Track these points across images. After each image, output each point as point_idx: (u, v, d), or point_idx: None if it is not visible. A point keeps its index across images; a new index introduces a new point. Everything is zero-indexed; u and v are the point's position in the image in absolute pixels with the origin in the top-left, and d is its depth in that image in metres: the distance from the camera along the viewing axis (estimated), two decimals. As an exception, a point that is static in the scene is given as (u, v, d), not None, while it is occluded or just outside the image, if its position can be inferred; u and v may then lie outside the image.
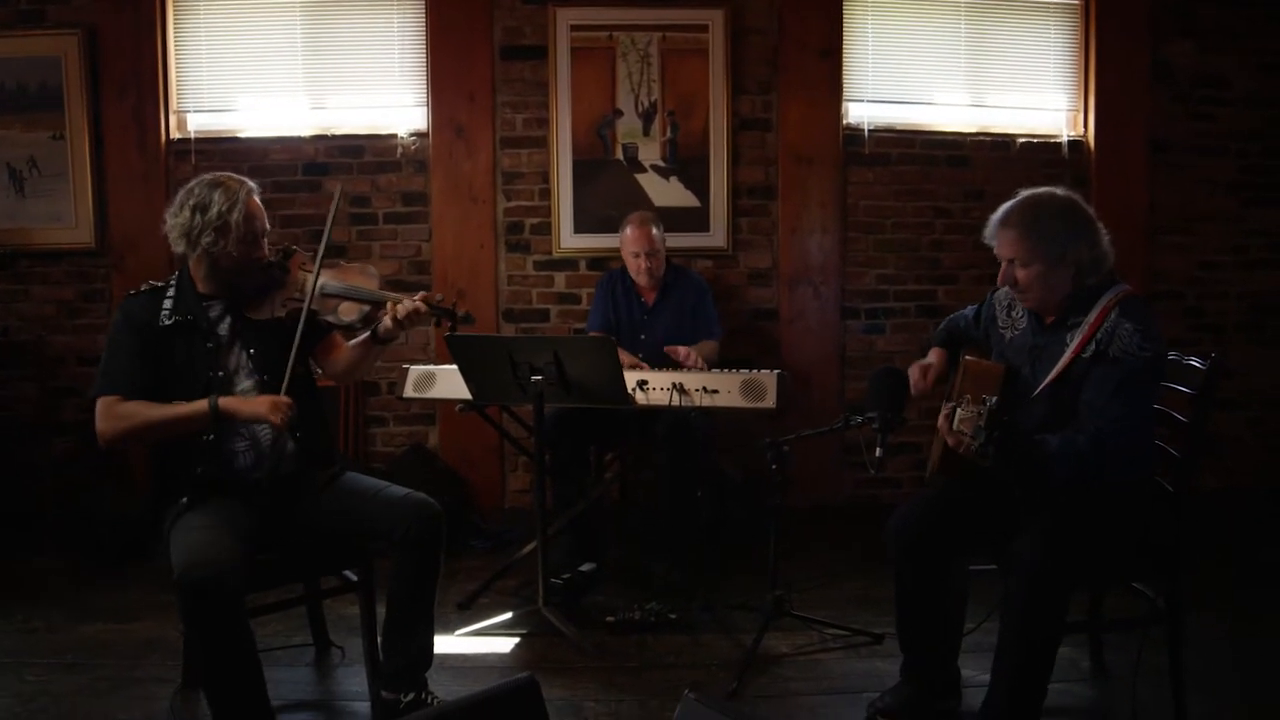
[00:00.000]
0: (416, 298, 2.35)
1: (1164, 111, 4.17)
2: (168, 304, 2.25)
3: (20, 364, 4.03)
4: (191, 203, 2.21)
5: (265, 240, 2.32)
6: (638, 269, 3.54)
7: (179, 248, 2.25)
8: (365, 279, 2.44)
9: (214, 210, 2.19)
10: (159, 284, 2.31)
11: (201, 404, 2.16)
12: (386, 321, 2.36)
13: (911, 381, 2.34)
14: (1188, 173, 4.21)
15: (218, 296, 2.29)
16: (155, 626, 2.89)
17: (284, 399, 2.16)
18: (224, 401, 2.17)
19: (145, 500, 2.31)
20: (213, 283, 2.28)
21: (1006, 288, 2.30)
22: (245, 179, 2.29)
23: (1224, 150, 4.22)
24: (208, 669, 2.01)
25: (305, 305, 2.27)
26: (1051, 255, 2.07)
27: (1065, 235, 2.07)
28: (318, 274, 2.31)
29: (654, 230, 3.53)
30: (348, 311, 2.37)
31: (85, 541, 3.58)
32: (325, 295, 2.35)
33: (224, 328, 2.29)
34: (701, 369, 3.16)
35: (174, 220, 2.23)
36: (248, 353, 2.29)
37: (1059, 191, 2.15)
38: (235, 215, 2.20)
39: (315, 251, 2.34)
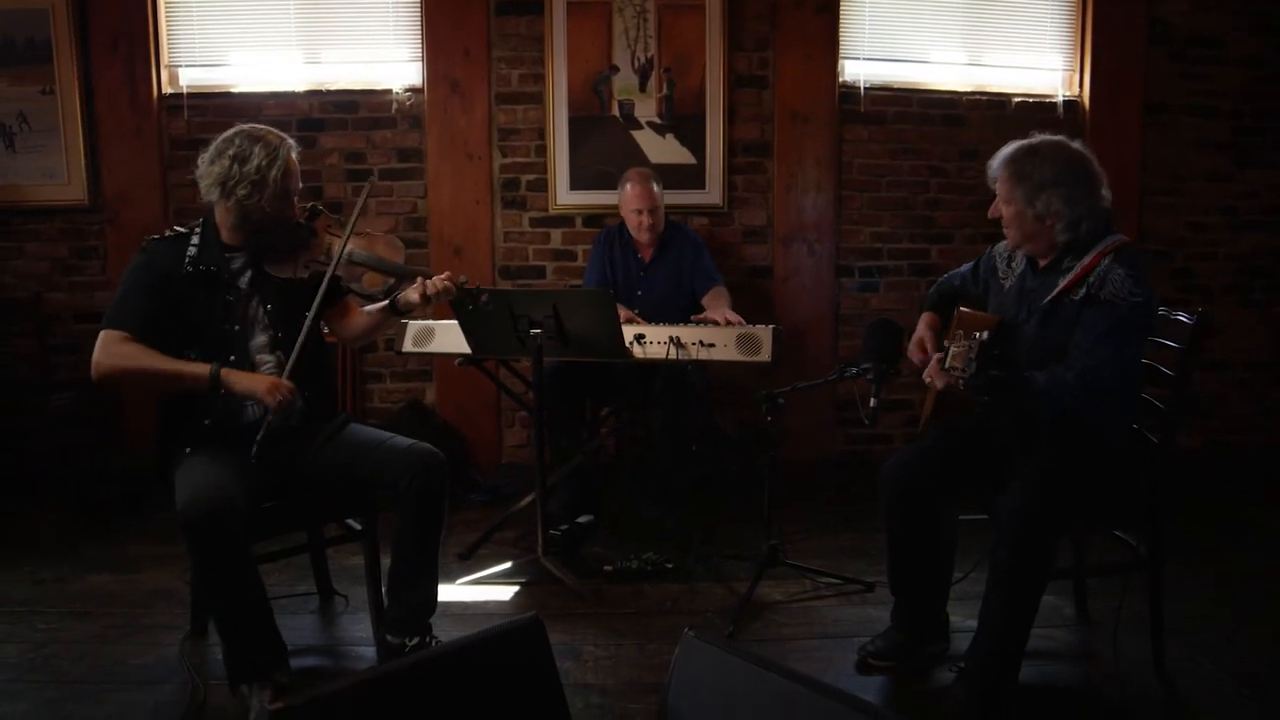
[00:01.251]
0: (443, 277, 2.37)
1: (1159, 71, 4.18)
2: (191, 251, 2.26)
3: (17, 321, 4.03)
4: (231, 152, 2.21)
5: (296, 199, 2.33)
6: (638, 225, 3.55)
7: (211, 195, 2.25)
8: (391, 251, 2.45)
9: (253, 164, 2.19)
10: (183, 230, 2.31)
11: (204, 368, 2.15)
12: (411, 296, 2.37)
13: (917, 361, 2.36)
14: (1180, 133, 4.23)
15: (241, 248, 2.31)
16: (160, 577, 2.94)
17: (285, 383, 2.16)
18: (226, 372, 2.17)
19: (151, 448, 2.32)
20: (238, 234, 2.29)
21: (1006, 241, 2.35)
22: (285, 136, 2.29)
23: (1217, 111, 4.24)
24: (216, 604, 2.06)
25: (329, 270, 2.29)
26: (1024, 199, 2.13)
27: (1042, 184, 2.11)
28: (346, 242, 2.31)
29: (655, 187, 3.54)
30: (372, 282, 2.40)
31: (85, 497, 3.63)
32: (351, 263, 2.37)
33: (244, 281, 2.31)
34: (739, 322, 3.17)
35: (208, 167, 2.23)
36: (265, 308, 2.32)
37: (1069, 144, 2.16)
38: (274, 172, 2.21)
39: (340, 216, 2.36)
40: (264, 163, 2.20)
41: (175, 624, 2.58)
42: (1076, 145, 2.17)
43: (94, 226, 4.10)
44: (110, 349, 2.16)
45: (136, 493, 3.60)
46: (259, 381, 2.17)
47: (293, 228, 2.33)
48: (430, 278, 2.37)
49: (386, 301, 2.44)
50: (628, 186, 3.55)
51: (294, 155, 2.29)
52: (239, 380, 2.17)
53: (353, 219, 2.32)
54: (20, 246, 4.12)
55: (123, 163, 4.05)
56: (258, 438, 2.19)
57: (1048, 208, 2.10)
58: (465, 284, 2.44)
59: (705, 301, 3.47)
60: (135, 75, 3.99)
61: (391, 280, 2.40)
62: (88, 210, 4.08)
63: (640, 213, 3.52)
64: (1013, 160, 2.17)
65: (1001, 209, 2.20)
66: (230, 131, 2.26)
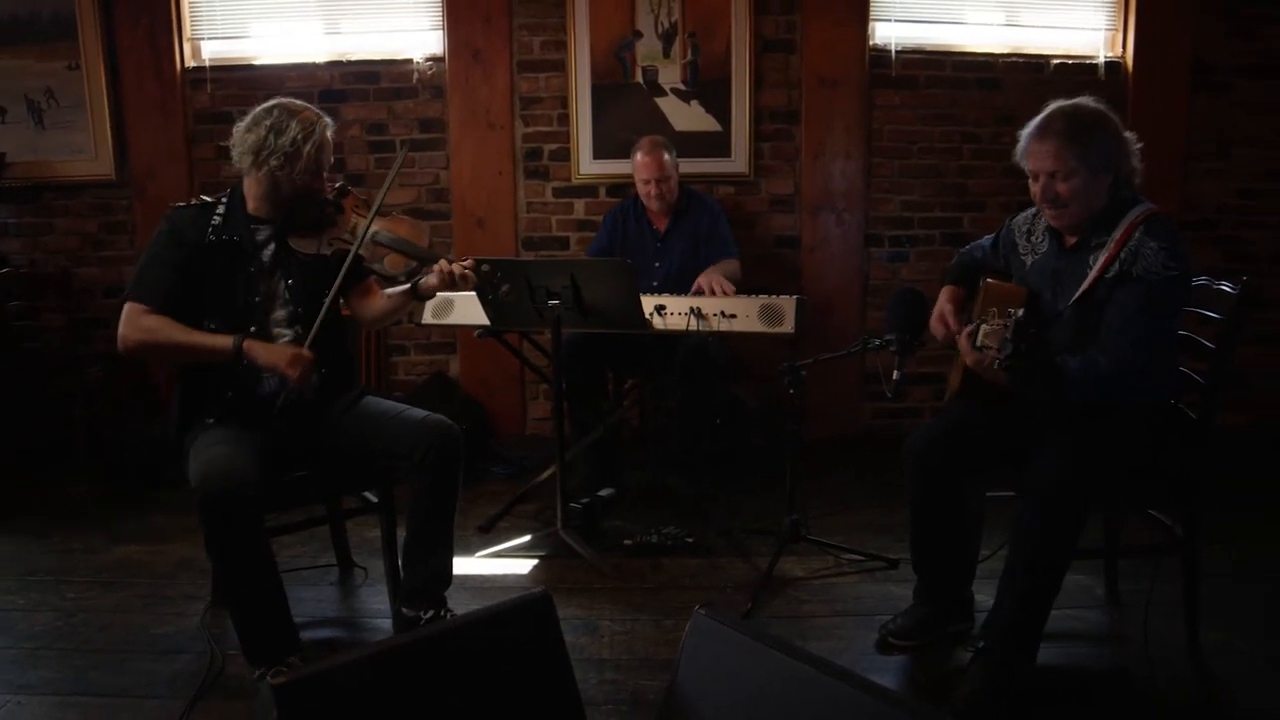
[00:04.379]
0: (463, 264, 2.35)
1: (1208, 30, 3.99)
2: (216, 220, 2.26)
3: (48, 296, 4.09)
4: (268, 123, 2.21)
5: (326, 174, 2.31)
6: (648, 195, 3.49)
7: (243, 163, 2.25)
8: (415, 234, 2.41)
9: (288, 136, 2.19)
10: (209, 199, 2.31)
11: (226, 340, 2.17)
12: (431, 279, 2.36)
13: (939, 336, 2.27)
14: (1230, 95, 4.05)
15: (267, 220, 2.30)
16: (185, 548, 2.97)
17: (306, 353, 2.17)
18: (249, 344, 2.17)
19: (167, 420, 2.34)
20: (265, 205, 2.28)
21: (1025, 213, 2.25)
22: (324, 114, 2.29)
23: (1271, 71, 4.04)
24: (228, 580, 2.06)
25: (354, 250, 2.27)
26: (1094, 165, 2.00)
27: (1107, 144, 2.00)
28: (371, 221, 2.30)
29: (665, 156, 3.46)
30: (394, 264, 2.37)
31: (115, 468, 3.68)
32: (376, 243, 2.34)
33: (268, 253, 2.30)
34: (731, 293, 3.11)
35: (244, 135, 2.23)
36: (286, 282, 2.31)
37: (1090, 101, 2.06)
38: (309, 146, 2.20)
39: (368, 196, 2.35)
40: (299, 136, 2.19)
41: (198, 594, 2.61)
42: (1092, 101, 2.07)
43: (122, 201, 4.14)
44: (134, 322, 2.18)
45: (165, 465, 3.64)
46: (281, 354, 2.18)
47: (320, 204, 2.32)
48: (451, 262, 2.35)
49: (408, 285, 2.42)
50: (637, 155, 3.49)
51: (329, 134, 2.28)
52: (262, 352, 2.18)
53: (379, 198, 2.30)
54: (50, 222, 4.17)
55: (148, 137, 4.07)
56: (277, 405, 2.20)
57: (1118, 166, 2.00)
58: (486, 271, 2.42)
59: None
60: (158, 49, 4.00)
61: (414, 263, 2.38)
62: (115, 185, 4.12)
63: (648, 182, 3.46)
64: (1063, 131, 2.01)
65: (1059, 187, 2.02)
66: (270, 103, 2.26)
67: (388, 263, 2.37)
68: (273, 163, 2.20)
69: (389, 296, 2.49)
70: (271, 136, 2.19)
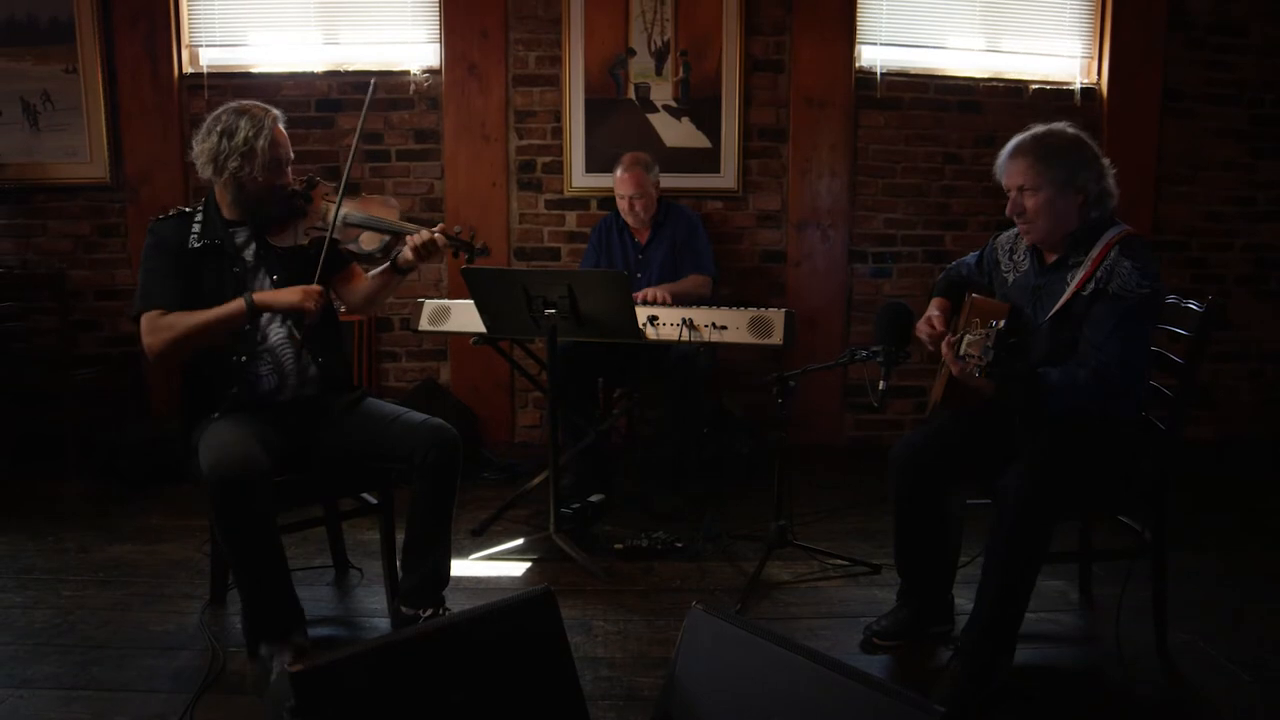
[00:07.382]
0: (434, 230, 2.43)
1: (1178, 59, 4.16)
2: (196, 228, 2.33)
3: (40, 297, 4.10)
4: (219, 129, 2.28)
5: (290, 169, 2.39)
6: (626, 210, 3.61)
7: (206, 173, 2.33)
8: (386, 210, 2.50)
9: (240, 136, 2.26)
10: (186, 209, 2.39)
11: (238, 301, 2.26)
12: (406, 252, 2.44)
13: (925, 337, 2.38)
14: (1199, 121, 4.21)
15: (243, 222, 2.38)
16: (180, 548, 3.01)
17: (315, 287, 2.27)
18: (258, 295, 2.27)
19: (176, 417, 2.40)
20: (238, 208, 2.36)
21: (1009, 232, 2.36)
22: (271, 107, 2.35)
23: (1237, 99, 4.21)
24: (239, 564, 2.12)
25: (328, 233, 2.35)
26: (1060, 181, 2.12)
27: (1074, 164, 2.11)
28: (340, 203, 2.37)
29: (643, 173, 3.57)
30: (369, 241, 2.44)
31: (108, 469, 3.70)
32: (347, 225, 2.42)
33: (249, 253, 2.38)
34: (665, 301, 3.21)
35: (201, 145, 2.31)
36: (271, 278, 2.38)
37: (1068, 127, 2.18)
38: (261, 142, 2.27)
39: (338, 183, 2.41)
40: (251, 134, 2.27)
41: (195, 593, 2.64)
42: (1071, 127, 2.19)
43: (115, 204, 4.16)
44: (153, 328, 2.25)
45: (158, 465, 3.67)
46: (293, 293, 2.27)
47: (289, 196, 2.40)
48: (419, 231, 2.42)
49: (388, 263, 2.50)
50: (618, 171, 3.60)
51: (280, 125, 2.35)
52: (275, 299, 2.28)
53: (344, 176, 2.38)
54: (44, 224, 4.19)
55: (144, 141, 4.10)
56: (305, 331, 2.32)
57: (1084, 186, 2.10)
58: (458, 234, 2.47)
59: None
60: (156, 55, 4.05)
61: (388, 239, 2.45)
62: (109, 188, 4.15)
63: (623, 198, 3.58)
64: (1032, 150, 2.15)
65: (1026, 202, 2.16)
66: (218, 110, 2.34)
67: (362, 241, 2.44)
68: (231, 165, 2.27)
69: (372, 277, 2.56)
70: (225, 140, 2.27)
